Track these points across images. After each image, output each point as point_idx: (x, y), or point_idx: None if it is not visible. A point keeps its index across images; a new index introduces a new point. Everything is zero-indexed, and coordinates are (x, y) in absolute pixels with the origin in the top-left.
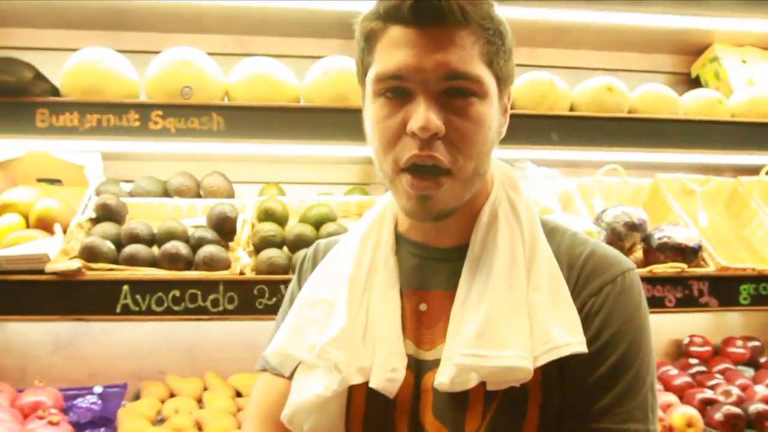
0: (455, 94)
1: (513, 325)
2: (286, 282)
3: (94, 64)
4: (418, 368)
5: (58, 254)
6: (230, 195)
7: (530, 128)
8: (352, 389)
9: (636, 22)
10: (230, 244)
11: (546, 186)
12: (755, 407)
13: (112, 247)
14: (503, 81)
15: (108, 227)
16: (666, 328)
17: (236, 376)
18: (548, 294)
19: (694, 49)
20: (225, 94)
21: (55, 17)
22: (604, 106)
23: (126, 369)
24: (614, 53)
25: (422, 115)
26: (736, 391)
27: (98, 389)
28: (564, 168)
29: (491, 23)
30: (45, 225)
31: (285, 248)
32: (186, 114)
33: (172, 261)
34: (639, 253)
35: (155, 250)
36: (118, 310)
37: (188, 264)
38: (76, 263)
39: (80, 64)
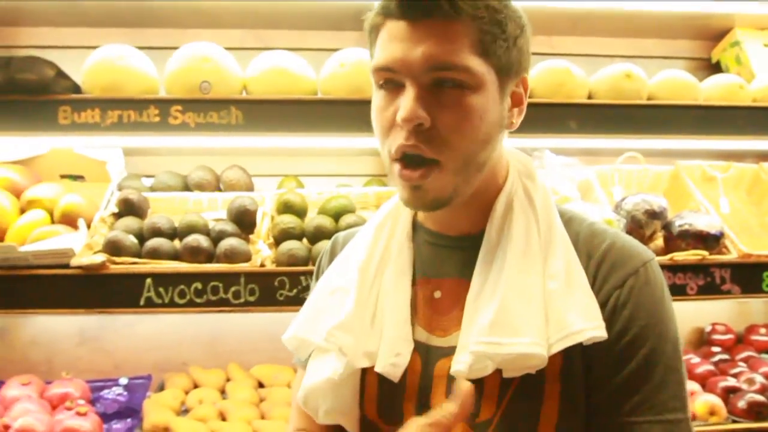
0: (444, 86)
1: (527, 312)
2: (307, 273)
3: (114, 61)
4: (428, 354)
5: (83, 249)
6: (250, 188)
7: (548, 117)
8: (366, 373)
9: (654, 8)
10: (250, 236)
11: (565, 174)
12: None
13: (135, 241)
14: (505, 70)
15: (130, 222)
16: (688, 316)
17: (258, 367)
18: (565, 282)
19: (715, 33)
20: (243, 88)
21: (75, 15)
22: (622, 93)
23: (150, 361)
24: (633, 40)
25: (406, 105)
26: (759, 379)
27: (124, 381)
28: (583, 156)
29: (486, 12)
30: (69, 220)
31: (305, 240)
32: (205, 108)
33: (194, 254)
34: (660, 241)
35: (177, 243)
36: (141, 302)
37: (209, 257)
38: (101, 257)
39: (101, 61)
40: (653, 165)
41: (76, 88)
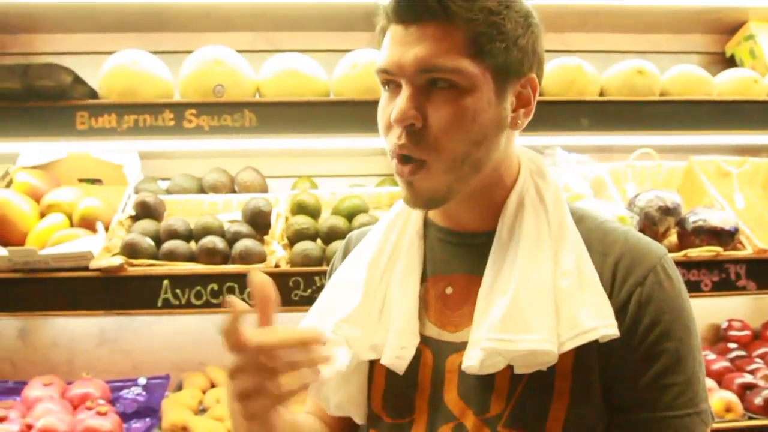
0: (437, 86)
1: (538, 309)
2: (321, 274)
3: (129, 66)
4: (439, 349)
5: (101, 251)
6: (264, 189)
7: (559, 114)
8: (374, 367)
9: (667, 3)
10: (265, 237)
11: (577, 172)
12: None
13: (152, 243)
14: (503, 71)
15: (147, 224)
16: (704, 312)
17: None
18: (576, 280)
19: (728, 27)
20: (256, 90)
21: (90, 22)
22: (634, 89)
23: (168, 361)
24: (645, 35)
25: (398, 105)
26: None
27: (142, 381)
28: (596, 153)
29: (480, 14)
30: (88, 224)
31: (319, 240)
32: (219, 112)
33: (210, 255)
34: (674, 237)
35: (193, 245)
36: (159, 304)
37: (225, 258)
38: (118, 260)
39: (116, 67)
40: (668, 161)
41: (93, 94)
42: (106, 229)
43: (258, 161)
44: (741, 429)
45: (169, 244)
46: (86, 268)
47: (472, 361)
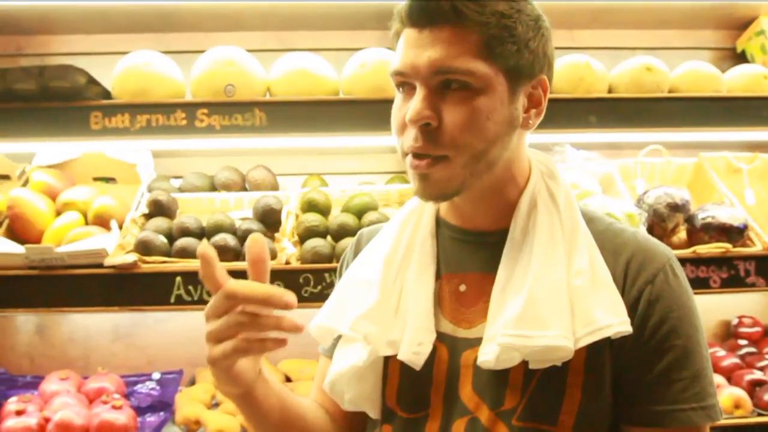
0: (451, 87)
1: (554, 307)
2: (330, 270)
3: (142, 67)
4: (455, 345)
5: (115, 249)
6: (275, 187)
7: (568, 111)
8: (388, 363)
9: None
10: (276, 234)
11: (586, 169)
12: None
13: (165, 240)
14: (515, 72)
15: (160, 222)
16: (714, 308)
17: (285, 362)
18: (590, 279)
19: (740, 22)
20: (266, 90)
21: (104, 23)
22: (643, 86)
23: (181, 356)
24: (655, 31)
25: (414, 106)
26: None
27: (156, 375)
28: (606, 150)
29: (492, 18)
30: (102, 221)
31: (328, 238)
32: (230, 111)
33: (221, 252)
34: (682, 234)
35: (205, 242)
36: (172, 300)
37: (236, 255)
38: (132, 257)
39: (129, 67)
40: (677, 158)
41: (107, 94)
42: (120, 226)
43: (269, 159)
44: (750, 425)
45: (182, 242)
46: (101, 266)
47: (488, 356)
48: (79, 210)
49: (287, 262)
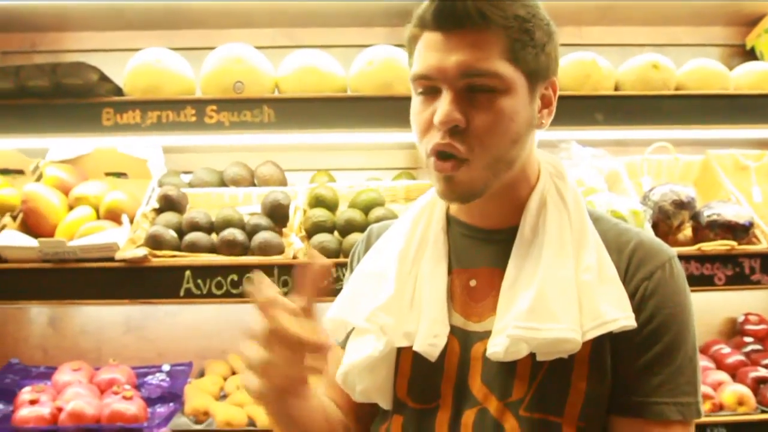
0: (477, 90)
1: (563, 301)
2: (337, 265)
3: (152, 64)
4: (466, 338)
5: (126, 243)
6: (283, 183)
7: (573, 109)
8: (400, 354)
9: None
10: (283, 230)
11: (592, 166)
12: None
13: (175, 235)
14: (534, 75)
15: (170, 217)
16: (720, 306)
17: None
18: (597, 274)
19: (749, 19)
20: (275, 86)
21: (116, 20)
22: (649, 84)
23: (191, 348)
24: (664, 28)
25: (442, 110)
26: None
27: (166, 367)
28: (612, 147)
29: (515, 22)
30: (113, 216)
31: (335, 233)
32: (239, 108)
33: (230, 247)
34: (688, 231)
35: (214, 237)
36: (181, 293)
37: (245, 250)
38: (143, 251)
39: (140, 65)
40: (684, 155)
41: (118, 91)
42: (131, 221)
43: (278, 155)
44: (753, 422)
45: (191, 236)
46: (112, 259)
47: (497, 347)
48: (91, 204)
49: (294, 257)
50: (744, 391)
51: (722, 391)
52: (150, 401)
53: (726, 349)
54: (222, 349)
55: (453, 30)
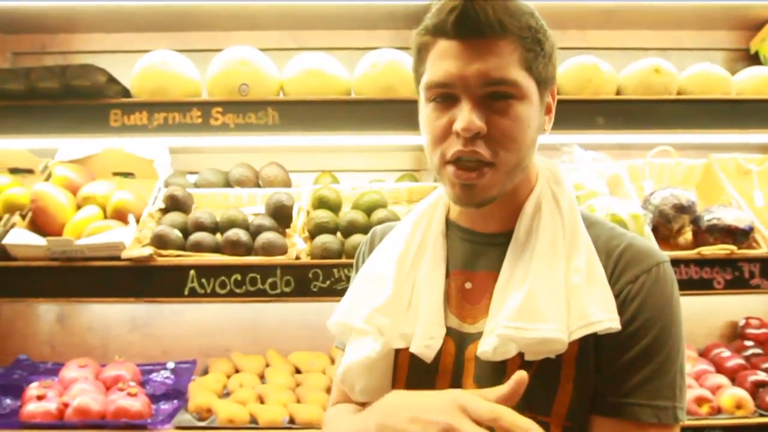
0: (496, 98)
1: (552, 302)
2: (339, 266)
3: (159, 66)
4: (461, 340)
5: (132, 242)
6: (287, 184)
7: (575, 113)
8: (398, 355)
9: None
10: (287, 230)
11: (593, 169)
12: None
13: (180, 235)
14: (543, 83)
15: (176, 217)
16: (722, 309)
17: (296, 354)
18: (586, 277)
19: (753, 23)
20: (280, 89)
21: (124, 22)
22: (651, 88)
23: (195, 347)
24: (668, 32)
25: (466, 117)
26: None
27: (171, 365)
28: (614, 151)
29: (529, 32)
30: (120, 215)
31: (338, 234)
32: (244, 110)
33: (234, 247)
34: (688, 235)
35: (218, 237)
36: (186, 292)
37: (248, 250)
38: (148, 250)
39: (147, 66)
40: (686, 159)
41: (126, 93)
42: (137, 220)
43: (282, 156)
44: (751, 426)
45: (196, 236)
46: (118, 258)
47: (486, 347)
48: (98, 204)
49: (297, 258)
50: (742, 394)
51: (721, 394)
52: (154, 398)
53: (726, 353)
54: (225, 348)
55: (471, 39)
